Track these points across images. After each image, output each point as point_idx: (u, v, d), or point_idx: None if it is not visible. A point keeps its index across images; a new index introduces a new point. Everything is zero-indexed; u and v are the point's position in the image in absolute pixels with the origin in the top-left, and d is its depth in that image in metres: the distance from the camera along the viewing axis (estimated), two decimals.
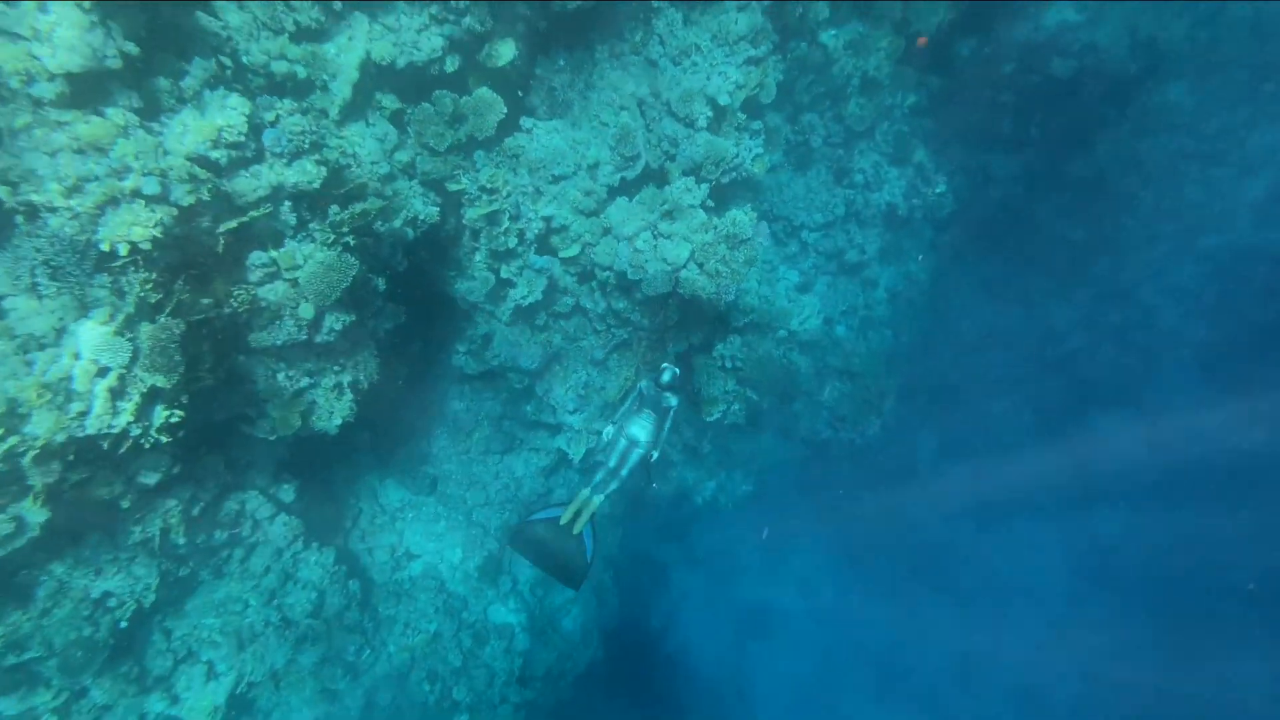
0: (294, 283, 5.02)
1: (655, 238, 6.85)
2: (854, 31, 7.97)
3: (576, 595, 9.45)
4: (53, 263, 3.87)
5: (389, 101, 6.31)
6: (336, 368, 5.80)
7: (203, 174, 4.25)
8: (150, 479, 4.59)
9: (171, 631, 6.16)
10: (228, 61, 4.69)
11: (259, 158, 4.75)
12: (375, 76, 6.09)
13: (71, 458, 4.06)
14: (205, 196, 4.20)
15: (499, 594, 9.23)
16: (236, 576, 6.41)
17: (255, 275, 4.90)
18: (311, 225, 5.17)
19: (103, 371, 3.86)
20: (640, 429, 5.95)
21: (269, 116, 4.82)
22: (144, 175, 3.94)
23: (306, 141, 4.94)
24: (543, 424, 9.05)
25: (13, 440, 3.76)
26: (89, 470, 4.28)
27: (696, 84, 6.89)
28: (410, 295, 6.98)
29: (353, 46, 5.75)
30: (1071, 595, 15.35)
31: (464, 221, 6.92)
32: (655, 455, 6.15)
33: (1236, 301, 14.49)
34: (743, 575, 14.24)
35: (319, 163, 5.04)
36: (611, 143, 7.07)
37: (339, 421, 5.68)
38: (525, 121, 7.36)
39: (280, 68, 5.39)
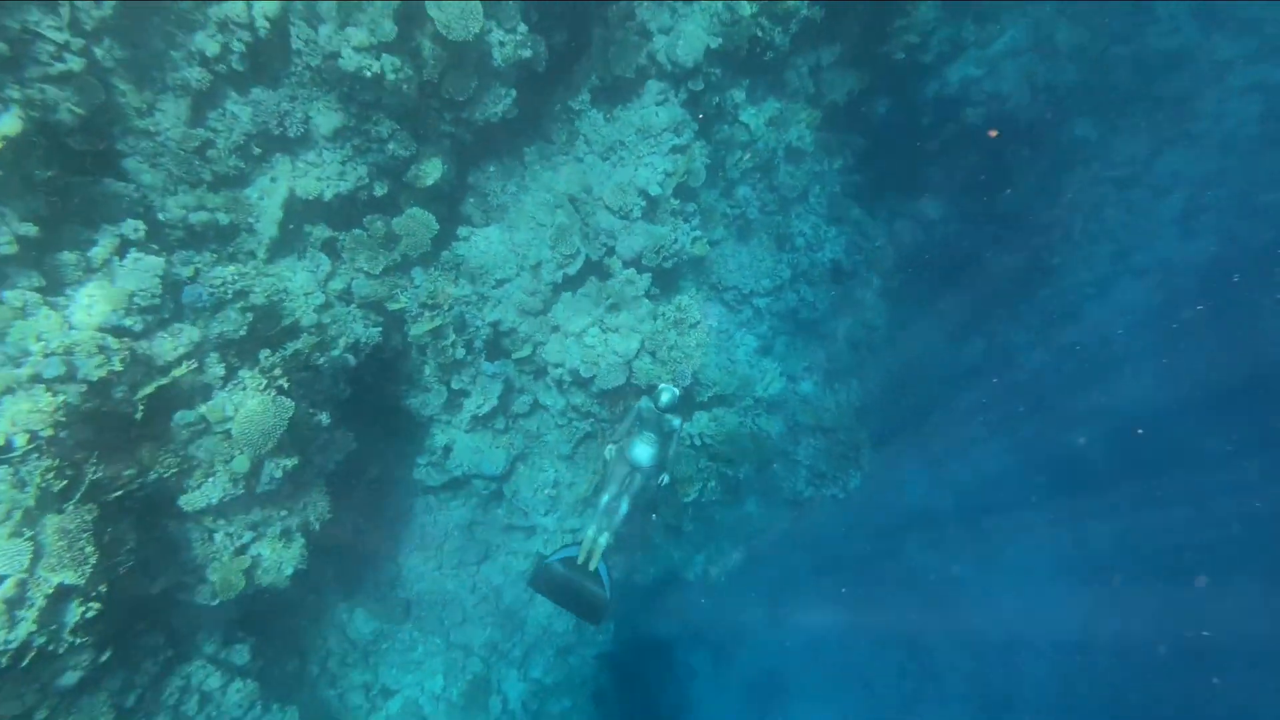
0: (226, 436, 4.77)
1: (604, 331, 6.80)
2: (772, 109, 8.33)
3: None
4: None
5: (319, 231, 6.26)
6: (283, 513, 5.46)
7: (115, 344, 4.06)
8: (70, 679, 4.14)
9: None
10: (139, 225, 4.59)
11: (178, 315, 4.59)
12: (302, 211, 6.06)
13: None
14: (118, 366, 4.00)
15: (490, 719, 8.57)
16: None
17: (182, 435, 4.64)
18: (242, 372, 4.97)
19: None
20: (641, 452, 5.65)
21: (187, 272, 4.69)
22: (45, 357, 3.73)
23: (229, 291, 4.81)
24: (517, 527, 8.68)
25: None
26: None
27: (626, 177, 7.04)
28: (363, 416, 6.75)
29: (275, 188, 5.74)
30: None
31: (408, 339, 6.79)
32: (665, 479, 5.87)
33: (1173, 309, 15.31)
34: (750, 647, 13.65)
35: (244, 310, 4.90)
36: (550, 242, 7.11)
37: (290, 572, 5.30)
38: (462, 230, 7.40)
39: (200, 218, 5.32)
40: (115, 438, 4.19)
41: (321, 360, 5.72)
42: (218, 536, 4.88)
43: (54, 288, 4.14)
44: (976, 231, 13.46)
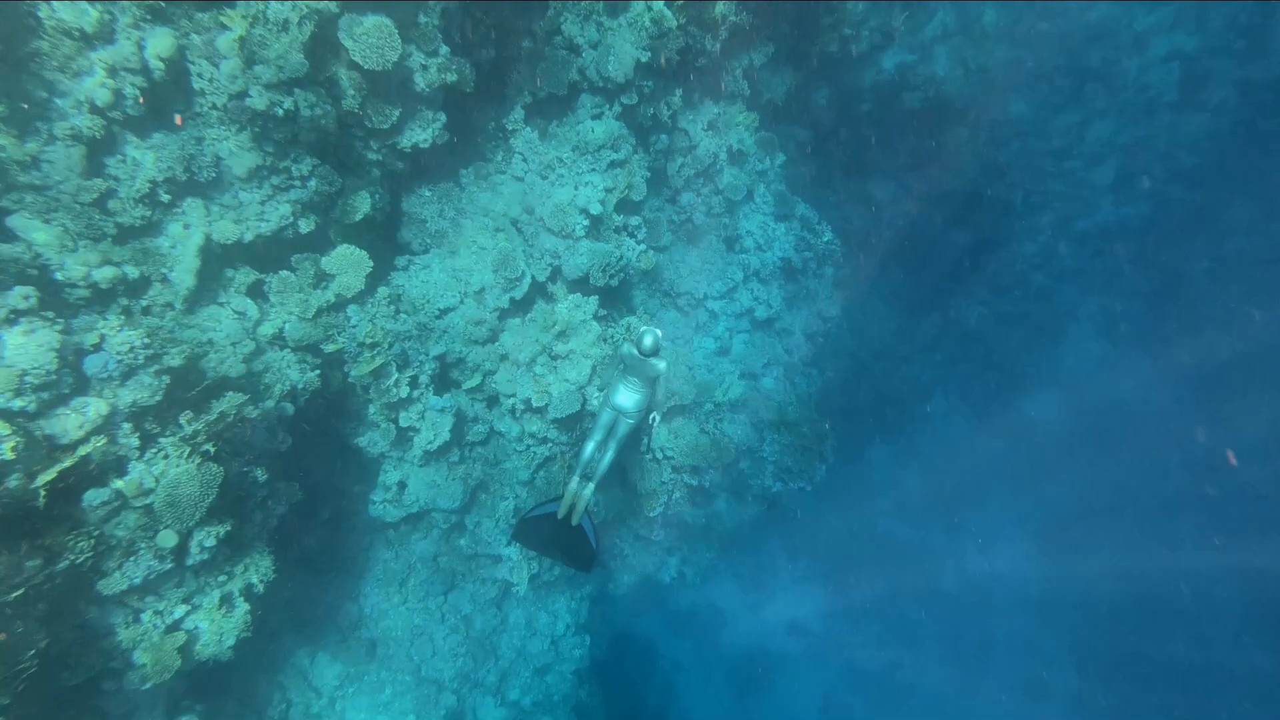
0: (147, 510, 4.47)
1: (553, 359, 6.64)
2: (710, 113, 8.22)
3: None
4: None
5: (243, 276, 5.92)
6: (222, 579, 5.18)
7: (5, 429, 3.74)
8: None
9: None
10: (30, 291, 4.23)
11: (82, 388, 4.27)
12: (222, 256, 5.72)
13: None
14: (8, 455, 3.69)
15: None
16: None
17: (97, 514, 4.33)
18: (162, 439, 4.67)
19: None
20: (626, 398, 5.44)
21: (90, 340, 4.36)
22: None
23: (140, 356, 4.49)
24: (482, 555, 8.49)
25: None
26: None
27: (566, 197, 6.85)
28: (311, 457, 6.48)
29: (189, 235, 5.38)
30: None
31: (349, 380, 6.51)
32: (656, 419, 5.65)
33: (1118, 274, 15.93)
34: (730, 642, 13.77)
35: (159, 373, 4.59)
36: (493, 266, 6.89)
37: (232, 642, 5.03)
38: (400, 260, 7.12)
39: (105, 274, 4.95)
40: (14, 530, 3.88)
41: (255, 414, 5.42)
42: (145, 616, 4.60)
43: None
44: (924, 212, 13.70)
